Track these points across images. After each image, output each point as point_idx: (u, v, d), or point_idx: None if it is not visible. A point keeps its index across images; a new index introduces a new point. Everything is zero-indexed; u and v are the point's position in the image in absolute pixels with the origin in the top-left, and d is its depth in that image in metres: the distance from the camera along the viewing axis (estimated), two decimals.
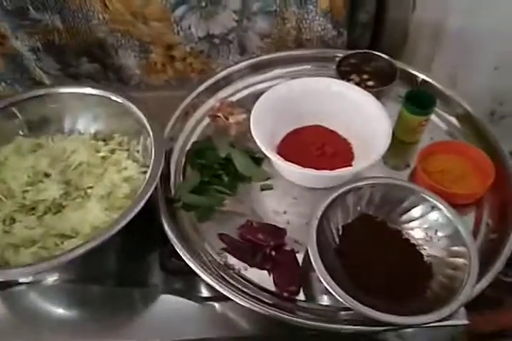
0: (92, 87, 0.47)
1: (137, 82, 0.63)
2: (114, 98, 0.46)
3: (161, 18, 0.54)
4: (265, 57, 0.56)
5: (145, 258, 0.45)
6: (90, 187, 0.43)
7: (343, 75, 0.50)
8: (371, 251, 0.39)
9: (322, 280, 0.35)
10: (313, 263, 0.36)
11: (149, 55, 0.59)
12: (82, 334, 0.41)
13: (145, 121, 0.44)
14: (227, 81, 0.54)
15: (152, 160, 0.41)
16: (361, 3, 0.58)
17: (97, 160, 0.45)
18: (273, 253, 0.39)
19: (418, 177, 0.45)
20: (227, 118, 0.51)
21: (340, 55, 0.53)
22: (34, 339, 0.41)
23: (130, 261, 0.45)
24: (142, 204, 0.38)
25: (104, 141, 0.48)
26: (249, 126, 0.45)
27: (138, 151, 0.46)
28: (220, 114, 0.52)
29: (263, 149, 0.42)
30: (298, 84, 0.48)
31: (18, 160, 0.44)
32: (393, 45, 0.60)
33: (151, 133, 0.43)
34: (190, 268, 0.39)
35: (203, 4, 0.53)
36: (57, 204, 0.42)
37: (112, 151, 0.47)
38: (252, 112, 0.45)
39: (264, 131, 0.44)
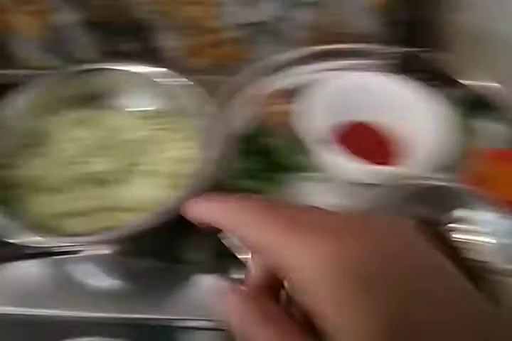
0: (146, 66, 0.48)
1: (174, 64, 0.62)
2: (167, 77, 0.47)
3: (203, 2, 0.55)
4: (316, 48, 0.56)
5: (196, 236, 0.45)
6: (140, 164, 0.43)
7: (399, 73, 0.50)
8: None
9: None
10: None
11: (187, 39, 0.60)
12: (123, 307, 0.41)
13: (200, 102, 0.45)
14: (275, 69, 0.54)
15: (210, 141, 0.42)
16: (406, 1, 0.58)
17: (146, 138, 0.45)
18: None
19: (472, 181, 0.44)
20: (273, 107, 0.52)
21: (395, 51, 0.54)
22: (74, 309, 0.41)
23: (181, 237, 0.45)
24: (206, 183, 0.38)
25: (154, 119, 0.48)
26: (295, 116, 0.46)
27: (188, 132, 0.46)
28: (266, 102, 0.52)
29: (312, 140, 0.42)
30: (351, 78, 0.49)
31: (67, 133, 0.45)
32: (434, 46, 0.60)
33: (207, 114, 0.44)
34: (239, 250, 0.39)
35: None
36: (108, 179, 0.42)
37: (163, 130, 0.47)
38: (302, 103, 0.46)
39: (313, 123, 0.45)
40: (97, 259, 0.44)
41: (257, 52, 0.61)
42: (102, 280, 0.43)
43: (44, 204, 0.40)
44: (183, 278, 0.43)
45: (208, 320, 0.40)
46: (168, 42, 0.60)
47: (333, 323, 0.15)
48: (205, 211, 0.20)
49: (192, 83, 0.46)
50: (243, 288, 0.19)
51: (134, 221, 0.37)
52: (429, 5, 0.59)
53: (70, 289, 0.42)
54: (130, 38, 0.60)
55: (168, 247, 0.45)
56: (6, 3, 0.57)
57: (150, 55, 0.62)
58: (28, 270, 0.43)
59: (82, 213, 0.39)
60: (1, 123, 0.43)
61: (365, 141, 0.48)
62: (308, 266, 0.15)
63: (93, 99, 0.48)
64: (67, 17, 0.57)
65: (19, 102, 0.45)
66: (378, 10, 0.57)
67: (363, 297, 0.15)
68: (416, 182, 0.42)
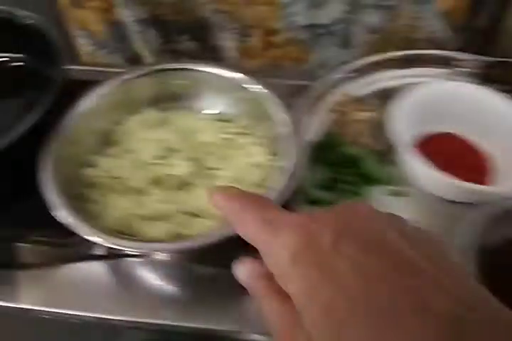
0: (225, 68, 0.46)
1: (230, 64, 0.62)
2: (243, 81, 0.45)
3: (268, 2, 0.54)
4: (396, 54, 0.53)
5: None
6: (217, 169, 0.42)
7: (487, 83, 0.48)
8: None
9: None
10: None
11: (248, 39, 0.59)
12: (182, 315, 0.40)
13: (277, 107, 0.43)
14: (353, 75, 0.52)
15: (287, 149, 0.40)
16: (482, 6, 0.55)
17: (223, 142, 0.44)
18: None
19: None
20: (351, 115, 0.50)
21: (479, 60, 0.50)
22: (131, 314, 0.40)
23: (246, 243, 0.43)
24: (285, 193, 0.36)
25: (228, 122, 0.47)
26: (375, 124, 0.44)
27: (263, 137, 0.45)
28: (344, 109, 0.50)
29: (396, 151, 0.40)
30: (438, 87, 0.46)
31: (146, 133, 0.44)
32: (509, 50, 0.57)
33: (282, 120, 0.42)
34: None
35: None
36: (186, 182, 0.41)
37: (239, 134, 0.45)
38: (386, 110, 0.43)
39: (397, 133, 0.42)
40: (159, 263, 0.43)
41: (315, 54, 0.59)
42: (163, 286, 0.42)
43: (121, 205, 0.39)
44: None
45: (264, 334, 0.38)
46: (228, 42, 0.59)
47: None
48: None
49: (270, 88, 0.44)
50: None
51: (212, 230, 0.36)
52: (506, 12, 0.56)
53: (129, 293, 0.41)
54: (190, 37, 0.59)
55: (232, 254, 0.43)
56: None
57: (208, 55, 0.61)
58: (88, 272, 0.42)
59: (159, 217, 0.38)
60: (80, 120, 0.42)
61: (454, 153, 0.45)
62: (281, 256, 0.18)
63: (171, 100, 0.47)
64: (129, 14, 0.57)
65: (97, 100, 0.44)
66: (453, 15, 0.55)
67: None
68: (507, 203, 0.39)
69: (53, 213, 0.36)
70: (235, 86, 0.45)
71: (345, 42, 0.58)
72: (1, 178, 0.40)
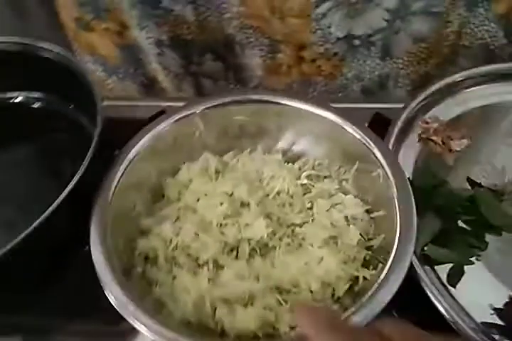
0: (286, 97, 0.38)
1: (256, 83, 0.57)
2: (315, 111, 0.37)
3: (301, 15, 0.48)
4: (477, 70, 0.45)
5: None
6: (298, 225, 0.33)
7: None
8: None
9: None
10: None
11: (276, 55, 0.53)
12: None
13: (365, 142, 0.34)
14: (436, 97, 0.44)
15: (397, 197, 0.31)
16: None
17: (299, 189, 0.35)
18: None
19: None
20: (444, 143, 0.42)
21: None
22: None
23: None
24: (408, 261, 0.27)
25: (299, 162, 0.38)
26: (471, 154, 0.35)
27: (347, 181, 0.36)
28: (436, 138, 0.42)
29: None
30: None
31: (208, 184, 0.35)
32: None
33: (381, 159, 0.33)
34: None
35: (353, 0, 0.46)
36: (264, 245, 0.32)
37: (314, 178, 0.37)
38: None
39: None
40: None
41: (350, 68, 0.53)
42: None
43: (193, 287, 0.29)
44: None
45: None
46: (255, 59, 0.53)
47: None
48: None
49: (363, 124, 0.36)
50: None
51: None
52: None
53: None
54: (213, 56, 0.54)
55: None
56: (86, 19, 0.51)
57: (231, 75, 0.56)
58: None
59: (244, 299, 0.29)
60: (126, 174, 0.33)
61: None
62: None
63: (232, 140, 0.38)
64: (148, 35, 0.51)
65: (144, 145, 0.35)
66: (509, 18, 0.48)
67: None
68: None
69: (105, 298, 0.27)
70: (309, 116, 0.37)
71: (385, 54, 0.52)
72: (38, 256, 0.31)
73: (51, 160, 0.40)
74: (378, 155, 0.34)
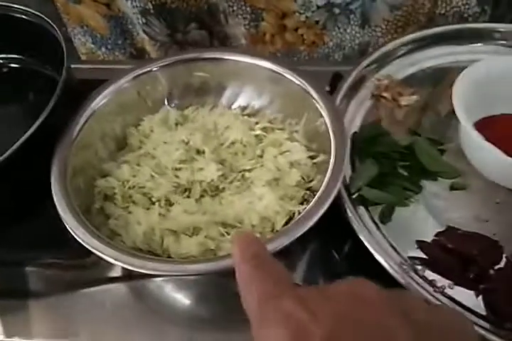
0: (245, 53, 0.39)
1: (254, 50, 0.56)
2: (269, 67, 0.38)
3: None
4: (434, 30, 0.46)
5: (308, 255, 0.36)
6: (248, 170, 0.35)
7: None
8: None
9: None
10: None
11: (259, 24, 0.53)
12: (209, 331, 0.33)
13: (313, 94, 0.35)
14: (390, 57, 0.44)
15: (333, 144, 0.32)
16: None
17: (252, 139, 0.37)
18: (491, 271, 0.30)
19: None
20: (395, 100, 0.43)
21: None
22: (158, 333, 0.33)
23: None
24: (331, 198, 0.29)
25: (258, 116, 0.39)
26: (420, 110, 0.37)
27: (297, 131, 0.38)
28: (386, 95, 0.43)
29: (468, 134, 0.33)
30: (497, 63, 0.38)
31: (167, 133, 0.37)
32: None
33: (323, 110, 0.35)
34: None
35: None
36: (215, 187, 0.34)
37: (267, 130, 0.38)
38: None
39: (464, 113, 0.35)
40: (190, 282, 0.35)
41: (331, 36, 0.53)
42: (195, 309, 0.34)
43: (144, 220, 0.32)
44: None
45: None
46: (238, 28, 0.53)
47: None
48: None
49: (305, 76, 0.37)
50: None
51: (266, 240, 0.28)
52: None
53: (156, 320, 0.33)
54: (198, 25, 0.53)
55: None
56: None
57: (217, 43, 0.56)
58: (108, 297, 0.34)
59: (188, 230, 0.31)
60: (90, 124, 0.35)
61: None
62: None
63: (190, 95, 0.40)
64: (132, 5, 0.50)
65: (107, 99, 0.37)
66: None
67: None
68: None
69: (68, 231, 0.29)
70: (264, 74, 0.38)
71: (365, 22, 0.52)
72: (2, 194, 0.34)
73: (30, 120, 0.42)
74: (320, 104, 0.35)
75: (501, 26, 0.46)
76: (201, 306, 0.34)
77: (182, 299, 0.35)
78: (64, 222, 0.29)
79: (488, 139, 0.35)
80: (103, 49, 0.59)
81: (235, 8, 0.52)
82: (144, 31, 0.55)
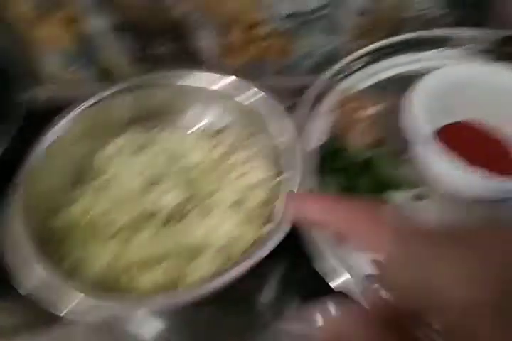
0: (209, 73, 0.40)
1: (212, 64, 0.56)
2: (228, 87, 0.38)
3: None
4: (395, 38, 0.46)
5: (269, 275, 0.36)
6: (212, 193, 0.35)
7: (500, 61, 0.41)
8: None
9: None
10: None
11: (228, 35, 0.53)
12: None
13: (273, 113, 0.36)
14: (351, 68, 0.45)
15: (294, 162, 0.33)
16: None
17: (215, 160, 0.37)
18: None
19: None
20: (357, 112, 0.43)
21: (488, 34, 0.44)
22: None
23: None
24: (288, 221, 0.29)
25: (217, 137, 0.39)
26: (382, 121, 0.37)
27: (259, 151, 0.38)
28: (348, 107, 0.43)
29: (419, 146, 0.33)
30: (455, 71, 0.38)
31: (130, 158, 0.36)
32: (500, 25, 0.50)
33: (281, 128, 0.35)
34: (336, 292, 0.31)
35: None
36: (179, 212, 0.34)
37: (231, 149, 0.38)
38: (396, 103, 0.36)
39: (413, 127, 0.35)
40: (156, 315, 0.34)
41: (300, 45, 0.53)
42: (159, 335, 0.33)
43: (104, 252, 0.31)
44: (252, 325, 0.34)
45: None
46: (207, 41, 0.53)
47: None
48: (314, 211, 0.21)
49: (264, 92, 0.37)
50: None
51: (219, 269, 0.29)
52: None
53: None
54: (167, 40, 0.53)
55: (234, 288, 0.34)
56: (30, 14, 0.50)
57: (188, 57, 0.55)
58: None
59: (151, 261, 0.31)
60: (50, 152, 0.35)
61: (477, 144, 0.38)
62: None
63: (152, 118, 0.39)
64: (99, 22, 0.50)
65: (68, 126, 0.37)
66: None
67: None
68: None
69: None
70: (223, 93, 0.38)
71: (332, 29, 0.52)
72: None
73: None
74: (279, 122, 0.35)
75: (464, 31, 0.47)
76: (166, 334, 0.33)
77: (147, 333, 0.34)
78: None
79: (449, 147, 0.36)
80: (71, 68, 0.58)
81: (201, 21, 0.51)
82: (111, 49, 0.54)
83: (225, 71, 0.60)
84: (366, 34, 0.54)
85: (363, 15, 0.52)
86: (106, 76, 0.59)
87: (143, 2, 0.49)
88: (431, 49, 0.46)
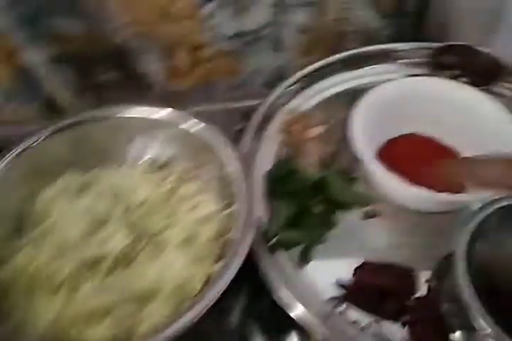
0: (146, 107, 0.37)
1: (160, 89, 0.56)
2: (170, 118, 0.37)
3: (189, 17, 0.48)
4: (332, 58, 0.47)
5: (226, 310, 0.35)
6: (161, 231, 0.33)
7: (436, 71, 0.42)
8: None
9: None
10: (474, 314, 0.27)
11: (173, 58, 0.52)
12: None
13: (217, 143, 0.35)
14: (296, 88, 0.45)
15: (240, 192, 0.32)
16: None
17: (162, 196, 0.35)
18: (409, 302, 0.30)
19: None
20: (303, 133, 0.43)
21: (408, 48, 0.46)
22: None
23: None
24: (245, 252, 0.28)
25: (163, 170, 0.38)
26: (329, 140, 0.37)
27: (209, 181, 0.36)
28: (295, 128, 0.43)
29: (368, 165, 0.33)
30: (394, 86, 0.39)
31: (69, 203, 0.34)
32: (436, 34, 0.53)
33: (228, 158, 0.34)
34: (294, 323, 0.30)
35: None
36: (125, 257, 0.32)
37: (179, 183, 0.37)
38: (350, 120, 0.36)
39: (363, 143, 0.35)
40: None
41: (248, 64, 0.54)
42: None
43: (47, 308, 0.29)
44: None
45: None
46: (152, 65, 0.52)
47: None
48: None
49: (206, 121, 0.36)
50: None
51: (173, 315, 0.27)
52: None
53: None
54: (110, 67, 0.52)
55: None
56: None
57: (134, 83, 0.54)
58: None
59: (98, 313, 0.28)
60: None
61: (422, 156, 0.38)
62: None
63: (92, 157, 0.37)
64: (36, 56, 0.48)
65: (1, 174, 0.34)
66: (382, 2, 0.50)
67: None
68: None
69: None
70: (165, 125, 0.37)
71: (277, 46, 0.53)
72: None
73: None
74: (225, 152, 0.34)
75: (401, 45, 0.49)
76: None
77: None
78: None
79: (393, 163, 0.36)
80: (13, 103, 0.55)
81: (144, 45, 0.51)
82: (52, 81, 0.53)
83: (174, 94, 0.60)
84: (312, 50, 0.55)
85: (306, 32, 0.53)
86: (50, 110, 0.57)
87: (80, 32, 0.48)
88: (371, 64, 0.47)
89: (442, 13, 0.52)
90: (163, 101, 0.57)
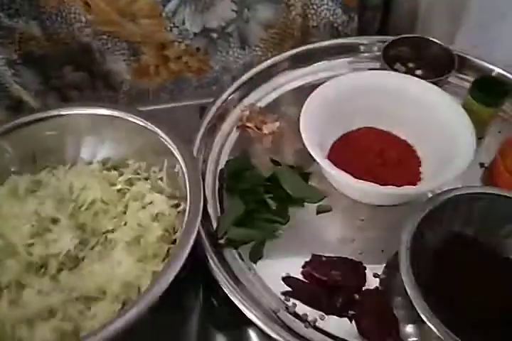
0: (95, 106, 0.37)
1: (128, 88, 0.55)
2: (123, 116, 0.36)
3: (151, 15, 0.47)
4: (287, 53, 0.47)
5: (186, 310, 0.34)
6: (111, 231, 0.33)
7: (388, 65, 0.41)
8: (476, 281, 0.30)
9: (434, 328, 0.26)
10: (415, 305, 0.27)
11: (140, 57, 0.52)
12: None
13: (168, 141, 0.34)
14: (251, 85, 0.45)
15: (188, 191, 0.31)
16: None
17: (113, 196, 0.35)
18: (356, 296, 0.30)
19: (502, 179, 0.36)
20: (259, 129, 0.42)
21: (366, 42, 0.46)
22: None
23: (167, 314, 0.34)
24: (188, 250, 0.28)
25: (115, 169, 0.37)
26: (285, 135, 0.37)
27: (161, 179, 0.36)
28: (250, 124, 0.42)
29: (318, 160, 0.33)
30: (347, 80, 0.39)
31: (16, 206, 0.33)
32: (403, 26, 0.54)
33: (178, 156, 0.33)
34: (247, 320, 0.30)
35: None
36: (73, 258, 0.31)
37: (130, 182, 0.36)
38: (301, 116, 0.35)
39: (314, 138, 0.35)
40: None
41: (216, 61, 0.53)
42: None
43: None
44: None
45: None
46: (118, 64, 0.51)
47: None
48: None
49: (161, 118, 0.36)
50: None
51: (112, 317, 0.26)
52: None
53: None
54: (74, 67, 0.51)
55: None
56: None
57: (98, 83, 0.53)
58: None
59: (43, 315, 0.28)
60: None
61: (376, 149, 0.38)
62: None
63: (41, 158, 0.37)
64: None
65: None
66: None
67: None
68: (461, 194, 0.32)
69: None
70: (122, 125, 0.36)
71: (243, 43, 0.52)
72: None
73: None
74: (176, 150, 0.34)
75: (357, 39, 0.49)
76: None
77: None
78: None
79: (344, 158, 0.36)
80: None
81: (109, 45, 0.50)
82: (16, 82, 0.51)
83: (142, 93, 0.59)
84: (277, 45, 0.54)
85: (271, 29, 0.52)
86: (17, 112, 0.56)
87: (42, 34, 0.47)
88: (327, 59, 0.47)
89: (408, 6, 0.52)
90: (130, 100, 0.56)
